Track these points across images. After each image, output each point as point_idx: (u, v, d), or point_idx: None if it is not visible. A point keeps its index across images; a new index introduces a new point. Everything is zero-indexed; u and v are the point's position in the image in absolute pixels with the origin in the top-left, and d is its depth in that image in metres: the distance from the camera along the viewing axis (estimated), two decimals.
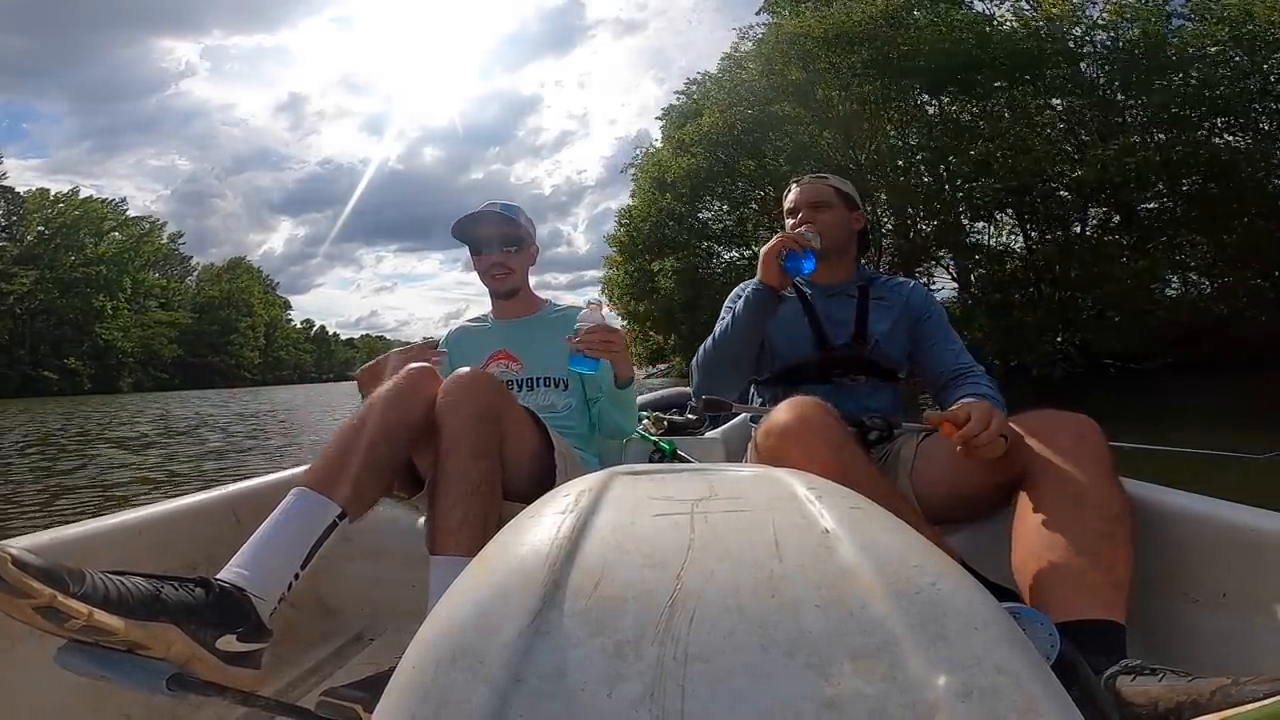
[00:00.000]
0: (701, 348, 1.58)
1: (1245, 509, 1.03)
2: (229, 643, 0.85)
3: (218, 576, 0.91)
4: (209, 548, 1.29)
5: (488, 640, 0.42)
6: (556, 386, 1.72)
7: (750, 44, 22.76)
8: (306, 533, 1.02)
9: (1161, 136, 18.08)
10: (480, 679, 0.40)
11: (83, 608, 0.72)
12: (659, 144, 27.10)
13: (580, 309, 1.81)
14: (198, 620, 0.83)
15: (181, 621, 0.81)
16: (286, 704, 0.83)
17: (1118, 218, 18.75)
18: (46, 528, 1.12)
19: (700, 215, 24.81)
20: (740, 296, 1.58)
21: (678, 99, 26.70)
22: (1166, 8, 18.24)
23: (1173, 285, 17.85)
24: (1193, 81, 17.20)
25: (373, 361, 1.55)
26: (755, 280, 1.52)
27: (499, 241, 1.77)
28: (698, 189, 23.33)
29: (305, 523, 1.03)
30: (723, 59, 25.02)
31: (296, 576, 0.99)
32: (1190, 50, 17.19)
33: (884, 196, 20.59)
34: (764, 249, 1.49)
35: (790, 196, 1.70)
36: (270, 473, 1.58)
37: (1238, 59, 17.07)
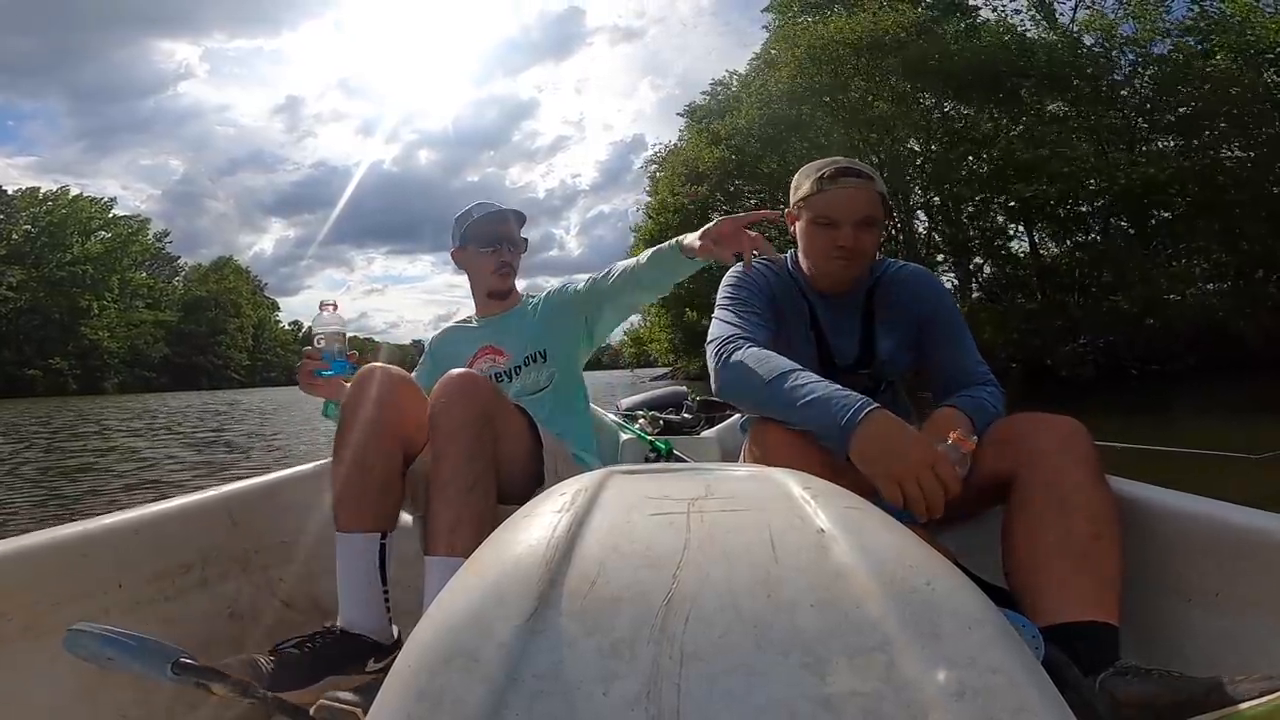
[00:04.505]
0: (739, 362, 1.26)
1: (1237, 508, 1.04)
2: (372, 666, 1.12)
3: (340, 626, 1.15)
4: (204, 548, 1.29)
5: (483, 640, 0.42)
6: (537, 361, 1.73)
7: (780, 47, 22.81)
8: (369, 569, 1.19)
9: (1169, 144, 18.47)
10: (476, 679, 0.40)
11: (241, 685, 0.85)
12: (682, 140, 27.20)
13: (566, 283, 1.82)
14: (341, 667, 1.08)
15: (334, 671, 1.07)
16: (283, 702, 0.83)
17: (1129, 225, 19.06)
18: (39, 528, 1.11)
19: (736, 207, 24.82)
20: (744, 290, 1.38)
21: (703, 98, 27.10)
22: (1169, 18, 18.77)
23: (1205, 291, 18.09)
24: (1203, 93, 17.62)
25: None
26: (846, 410, 1.10)
27: (514, 240, 1.83)
28: (728, 178, 23.38)
29: (363, 562, 1.19)
30: (753, 59, 25.40)
31: (386, 595, 1.19)
32: (1203, 66, 17.65)
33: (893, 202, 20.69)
34: (907, 484, 1.05)
35: (823, 201, 1.35)
36: (264, 473, 1.58)
37: (1243, 72, 17.46)
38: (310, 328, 1.48)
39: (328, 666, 1.07)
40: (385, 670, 0.98)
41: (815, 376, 1.17)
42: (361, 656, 1.12)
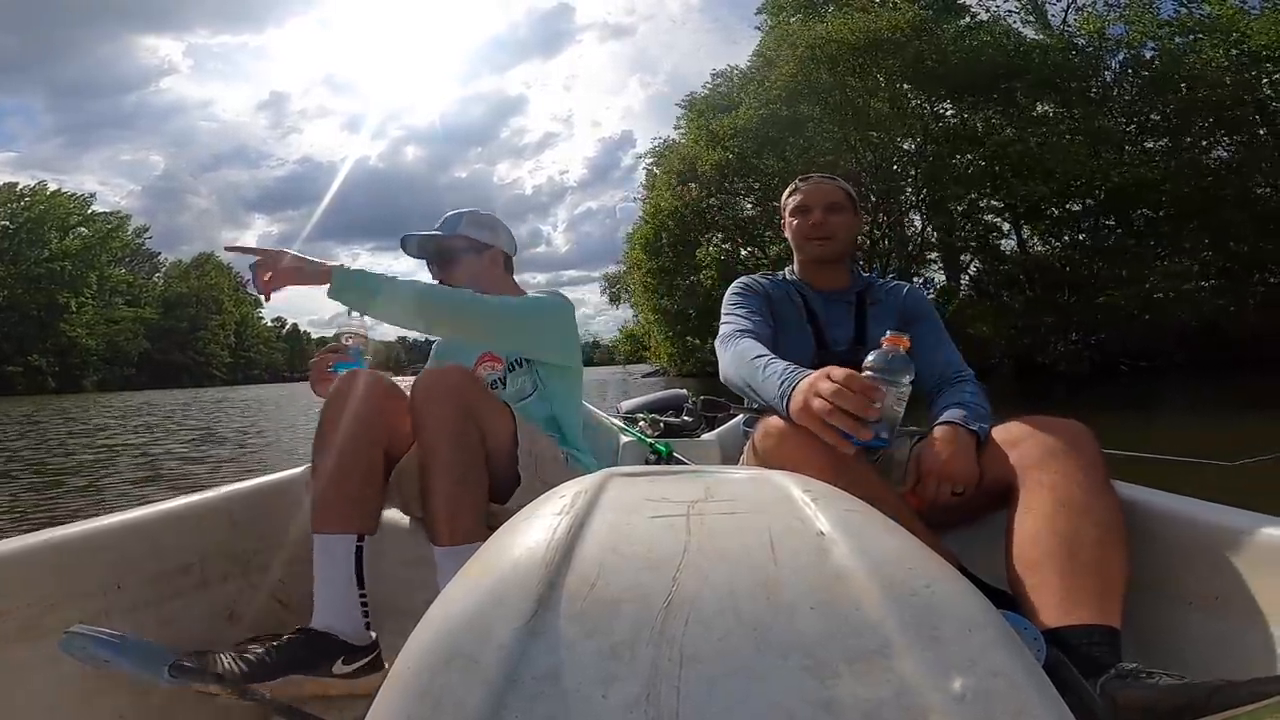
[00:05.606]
0: (732, 352, 1.45)
1: (1236, 511, 1.04)
2: (340, 668, 1.11)
3: (312, 625, 1.14)
4: (204, 549, 1.28)
5: (483, 641, 0.42)
6: (521, 366, 1.70)
7: (775, 47, 22.78)
8: (344, 569, 1.18)
9: (1157, 144, 18.82)
10: (476, 680, 0.40)
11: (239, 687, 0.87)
12: (679, 136, 27.01)
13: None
14: (308, 666, 1.08)
15: (301, 670, 1.06)
16: (282, 703, 0.82)
17: (1118, 224, 19.34)
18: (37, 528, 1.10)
19: (733, 207, 24.70)
20: (744, 296, 1.57)
21: (705, 90, 26.98)
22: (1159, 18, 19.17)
23: (1193, 288, 18.34)
24: (1189, 95, 17.99)
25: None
26: (783, 382, 1.21)
27: (432, 258, 1.76)
28: (728, 178, 23.32)
29: (340, 561, 1.19)
30: (753, 56, 25.42)
31: (363, 598, 1.19)
32: (1190, 65, 18.03)
33: (884, 200, 20.88)
34: (813, 402, 1.10)
35: (798, 195, 1.65)
36: (265, 474, 1.56)
37: (1228, 73, 17.81)
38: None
39: (289, 665, 1.05)
40: (356, 673, 1.03)
41: (784, 363, 1.29)
42: (329, 656, 1.11)
